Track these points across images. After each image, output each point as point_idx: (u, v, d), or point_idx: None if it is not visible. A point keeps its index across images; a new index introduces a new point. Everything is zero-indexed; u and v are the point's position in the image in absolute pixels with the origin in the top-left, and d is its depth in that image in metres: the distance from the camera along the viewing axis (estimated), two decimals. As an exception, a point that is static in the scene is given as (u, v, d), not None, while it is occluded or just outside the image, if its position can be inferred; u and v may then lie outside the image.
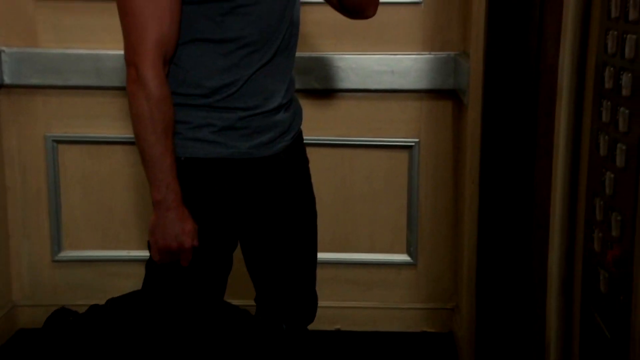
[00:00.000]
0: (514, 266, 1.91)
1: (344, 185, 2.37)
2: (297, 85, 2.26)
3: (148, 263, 1.49)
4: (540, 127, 1.68)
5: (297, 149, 1.63)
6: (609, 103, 1.02)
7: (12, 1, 2.23)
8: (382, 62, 2.27)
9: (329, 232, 2.38)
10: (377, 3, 1.66)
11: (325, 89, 2.30)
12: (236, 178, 1.47)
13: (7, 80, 2.25)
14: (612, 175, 1.01)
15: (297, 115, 1.62)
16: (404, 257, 2.41)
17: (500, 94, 1.93)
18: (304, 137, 2.29)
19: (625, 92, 0.97)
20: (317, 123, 2.32)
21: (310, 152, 2.34)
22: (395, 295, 2.43)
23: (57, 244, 2.36)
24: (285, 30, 1.49)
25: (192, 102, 1.42)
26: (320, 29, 2.26)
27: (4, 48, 2.23)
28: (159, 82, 1.34)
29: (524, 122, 1.83)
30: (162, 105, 1.35)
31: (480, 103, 1.99)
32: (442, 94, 2.29)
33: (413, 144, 2.33)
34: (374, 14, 1.68)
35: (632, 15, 0.94)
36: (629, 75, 0.95)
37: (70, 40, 2.25)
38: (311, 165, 2.34)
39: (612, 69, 1.01)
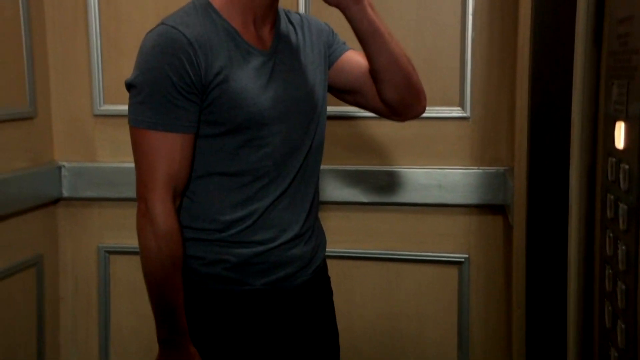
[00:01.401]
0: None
1: (390, 302, 2.30)
2: (344, 198, 2.27)
3: None
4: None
5: (319, 282, 1.58)
6: (610, 271, 0.94)
7: (74, 119, 2.35)
8: (430, 176, 2.23)
9: (374, 351, 2.30)
10: (424, 96, 1.57)
11: (372, 202, 2.27)
12: (249, 312, 1.44)
13: (65, 193, 2.35)
14: (616, 355, 0.92)
15: (320, 247, 1.58)
16: (454, 379, 2.29)
17: (545, 213, 1.84)
18: (351, 250, 2.28)
19: (621, 266, 0.89)
20: (363, 236, 2.29)
21: (356, 266, 2.32)
22: (445, 418, 2.30)
23: (105, 355, 2.39)
24: (303, 158, 1.47)
25: (206, 236, 1.42)
26: (367, 143, 2.25)
27: (64, 163, 2.34)
28: (167, 217, 1.35)
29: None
30: (170, 240, 1.36)
31: (525, 222, 1.90)
32: (492, 209, 2.22)
33: (462, 260, 2.24)
34: (423, 109, 1.59)
35: (623, 185, 0.87)
36: (624, 247, 0.88)
37: (125, 155, 2.31)
38: (357, 280, 2.31)
39: (611, 235, 0.93)
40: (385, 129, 2.25)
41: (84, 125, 2.35)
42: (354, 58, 1.55)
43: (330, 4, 1.40)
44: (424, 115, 2.16)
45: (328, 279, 1.63)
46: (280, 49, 1.45)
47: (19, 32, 2.17)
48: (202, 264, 1.42)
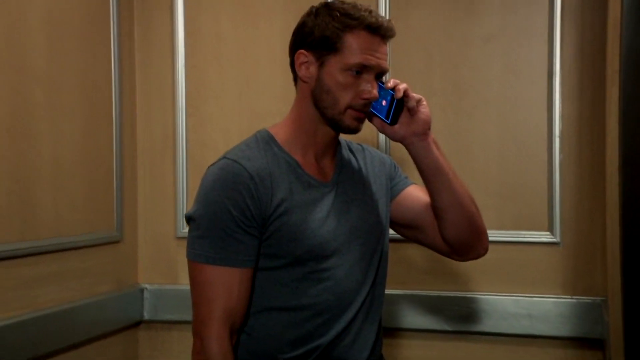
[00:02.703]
0: None
1: None
2: (427, 326, 2.16)
3: None
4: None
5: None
6: None
7: (157, 242, 2.39)
8: (519, 305, 2.09)
9: None
10: (486, 237, 1.48)
11: (456, 331, 2.14)
12: None
13: (146, 316, 2.36)
14: None
15: (383, 389, 1.48)
16: None
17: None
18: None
19: None
20: (447, 368, 2.15)
21: (440, 401, 2.16)
22: None
23: None
24: (367, 292, 1.41)
25: None
26: (451, 267, 2.15)
27: (146, 286, 2.37)
28: (223, 358, 1.31)
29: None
30: None
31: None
32: (589, 342, 2.04)
33: (559, 398, 2.05)
34: (484, 251, 1.50)
35: None
36: None
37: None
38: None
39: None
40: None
41: (167, 247, 2.38)
42: (415, 193, 1.50)
43: (394, 139, 1.38)
44: (511, 239, 2.09)
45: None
46: (342, 179, 1.42)
47: (111, 161, 2.26)
48: (260, 404, 1.36)
